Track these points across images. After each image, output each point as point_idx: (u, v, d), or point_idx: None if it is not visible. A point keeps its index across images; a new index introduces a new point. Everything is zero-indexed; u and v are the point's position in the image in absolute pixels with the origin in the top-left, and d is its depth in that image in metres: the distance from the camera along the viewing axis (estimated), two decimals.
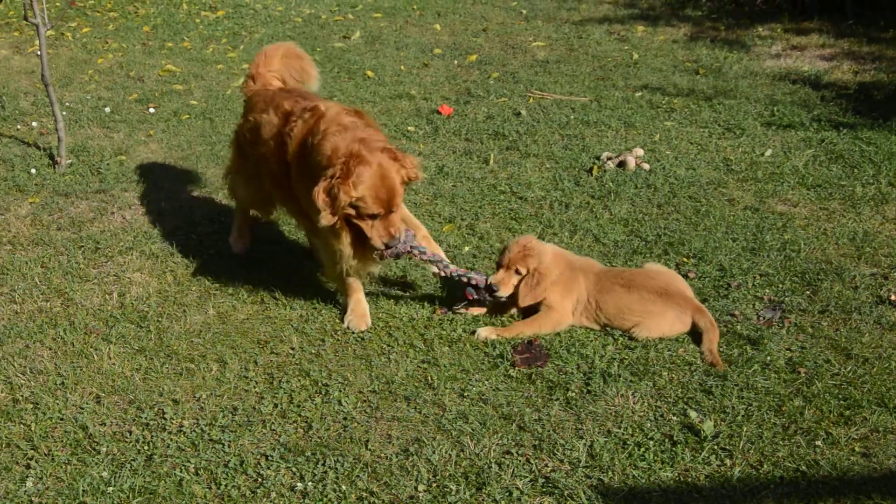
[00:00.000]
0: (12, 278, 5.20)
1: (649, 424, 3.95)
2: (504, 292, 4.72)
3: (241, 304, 4.96)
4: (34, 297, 5.00)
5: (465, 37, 10.74)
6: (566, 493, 3.57)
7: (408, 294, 5.04)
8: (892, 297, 4.87)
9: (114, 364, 4.40)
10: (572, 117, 7.80)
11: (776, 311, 4.80)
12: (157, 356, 4.47)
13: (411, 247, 4.61)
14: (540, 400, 4.14)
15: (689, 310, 4.57)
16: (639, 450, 3.79)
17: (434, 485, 3.63)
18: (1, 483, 3.65)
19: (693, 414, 3.97)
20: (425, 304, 4.93)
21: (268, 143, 4.81)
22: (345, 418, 4.02)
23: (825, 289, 4.97)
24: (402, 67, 9.39)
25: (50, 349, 4.53)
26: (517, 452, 3.80)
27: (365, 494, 3.58)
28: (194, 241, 5.63)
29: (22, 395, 4.16)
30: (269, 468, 3.71)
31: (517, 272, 4.73)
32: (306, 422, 3.99)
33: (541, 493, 3.59)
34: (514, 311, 4.85)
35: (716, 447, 3.79)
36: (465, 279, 4.72)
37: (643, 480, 3.63)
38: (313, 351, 4.53)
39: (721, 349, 4.46)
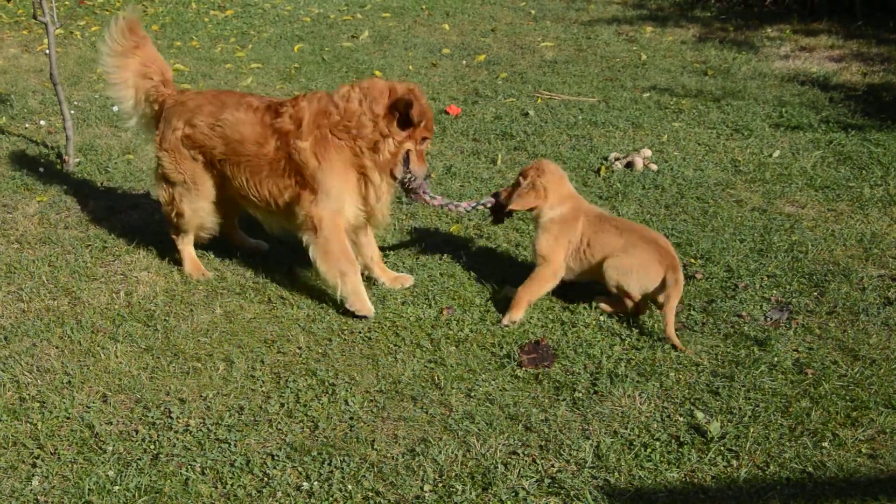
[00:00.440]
0: (20, 277, 5.21)
1: (656, 425, 3.94)
2: (504, 196, 5.00)
3: (248, 303, 4.97)
4: (41, 295, 5.01)
5: (473, 37, 10.74)
6: (572, 493, 3.56)
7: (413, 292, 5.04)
8: None
9: (121, 363, 4.41)
10: (580, 118, 7.79)
11: (783, 312, 4.78)
12: (163, 355, 4.48)
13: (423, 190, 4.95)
14: (546, 400, 4.13)
15: (665, 263, 4.55)
16: (645, 450, 3.78)
17: (440, 485, 3.63)
18: (7, 481, 3.65)
19: (700, 415, 3.96)
20: (432, 303, 4.92)
21: (251, 139, 4.87)
22: (351, 418, 4.02)
23: (833, 290, 4.96)
24: (411, 67, 9.40)
25: (57, 348, 4.53)
26: (523, 453, 3.79)
27: (371, 494, 3.58)
28: (201, 240, 5.63)
29: (28, 394, 4.17)
30: (275, 468, 3.71)
31: (519, 183, 4.93)
32: (312, 421, 3.99)
33: (547, 494, 3.58)
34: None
35: (722, 448, 3.78)
36: (479, 205, 5.09)
37: (649, 481, 3.62)
38: (320, 350, 4.53)
39: (728, 350, 4.45)
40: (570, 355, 4.45)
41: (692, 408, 4.04)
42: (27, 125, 7.69)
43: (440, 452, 3.79)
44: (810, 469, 3.66)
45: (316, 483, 3.63)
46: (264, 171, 4.86)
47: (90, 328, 4.70)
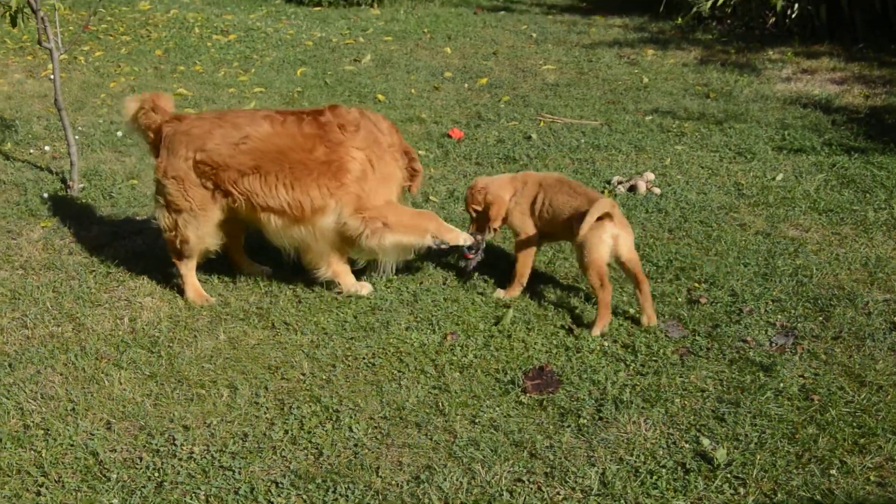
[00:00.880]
0: (24, 303, 5.21)
1: (662, 452, 3.93)
2: (479, 232, 5.42)
3: (251, 328, 4.96)
4: (46, 321, 5.01)
5: (475, 60, 10.77)
6: None
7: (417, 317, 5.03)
8: None
9: (124, 390, 4.40)
10: (583, 141, 7.80)
11: (789, 337, 4.77)
12: (167, 382, 4.47)
13: None
14: (551, 427, 4.12)
15: (610, 222, 4.88)
16: (651, 478, 3.76)
17: None
18: None
19: (706, 441, 3.94)
20: (436, 329, 4.92)
21: (295, 146, 4.99)
22: (355, 445, 4.01)
23: (838, 315, 4.95)
24: (413, 91, 9.42)
25: (61, 374, 4.53)
26: (529, 480, 3.77)
27: None
28: (204, 266, 5.63)
29: (33, 421, 4.16)
30: (279, 495, 3.69)
31: (476, 212, 5.39)
32: (317, 448, 3.98)
33: None
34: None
35: (729, 475, 3.77)
36: (480, 252, 5.43)
37: None
38: (324, 377, 4.52)
39: (734, 375, 4.44)
40: (575, 381, 4.44)
41: (698, 434, 4.02)
42: (32, 150, 7.71)
43: (445, 480, 3.77)
44: (818, 497, 3.64)
45: None
46: (314, 174, 4.98)
47: (94, 355, 4.69)
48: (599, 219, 4.80)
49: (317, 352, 4.73)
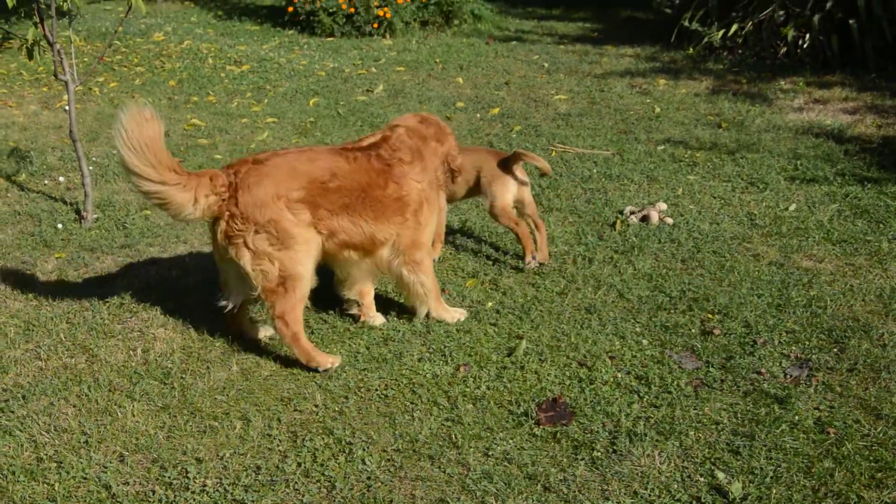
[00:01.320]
0: (38, 334, 5.22)
1: (676, 486, 3.90)
2: None
3: (264, 360, 4.96)
4: (59, 353, 5.02)
5: (487, 90, 10.82)
6: None
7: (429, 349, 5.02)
8: None
9: (137, 422, 4.40)
10: (595, 171, 7.81)
11: (803, 369, 4.75)
12: (180, 414, 4.47)
13: None
14: (565, 459, 4.10)
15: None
16: None
17: None
18: None
19: (721, 475, 3.92)
20: (449, 360, 4.91)
21: (372, 183, 5.02)
22: (368, 478, 3.99)
23: (853, 346, 4.93)
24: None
25: (74, 406, 4.53)
26: None
27: None
28: (218, 297, 5.64)
29: (46, 454, 4.16)
30: None
31: None
32: (329, 481, 3.96)
33: None
34: None
35: None
36: None
37: None
38: (337, 408, 4.51)
39: (748, 408, 4.42)
40: (588, 413, 4.42)
41: (713, 468, 4.00)
42: (46, 181, 7.76)
43: None
44: None
45: None
46: (388, 210, 5.05)
47: (107, 386, 4.70)
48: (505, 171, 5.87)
49: (329, 383, 4.72)
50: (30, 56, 6.47)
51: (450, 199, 6.16)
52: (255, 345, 5.10)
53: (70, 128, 6.81)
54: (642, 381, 4.69)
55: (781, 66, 11.34)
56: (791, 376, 4.69)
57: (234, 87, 11.03)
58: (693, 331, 5.17)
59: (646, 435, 4.23)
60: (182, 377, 4.78)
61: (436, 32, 14.32)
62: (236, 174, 4.78)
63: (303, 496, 3.87)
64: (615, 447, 4.16)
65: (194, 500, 3.86)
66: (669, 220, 6.68)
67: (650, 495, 3.84)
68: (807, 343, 4.99)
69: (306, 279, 4.89)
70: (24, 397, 4.59)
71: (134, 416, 4.44)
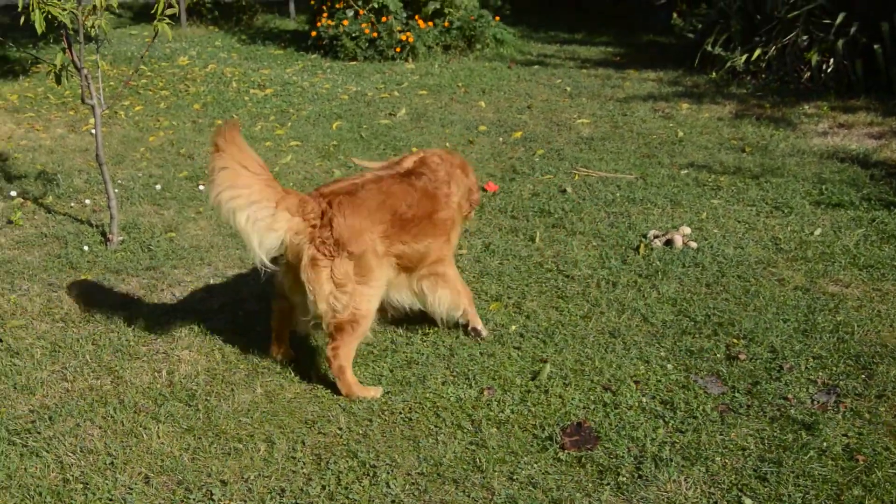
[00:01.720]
0: (64, 355, 5.25)
1: None
2: None
3: (288, 382, 4.97)
4: (85, 374, 5.04)
5: (509, 114, 10.85)
6: None
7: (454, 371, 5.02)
8: None
9: (163, 443, 4.41)
10: (618, 195, 7.81)
11: (831, 395, 4.71)
12: (205, 435, 4.47)
13: None
14: (590, 484, 4.07)
15: None
16: None
17: None
18: None
19: (748, 501, 3.89)
20: (472, 383, 4.90)
21: (433, 208, 5.17)
22: (392, 501, 3.98)
23: (881, 372, 4.88)
24: (448, 144, 9.49)
25: (100, 428, 4.55)
26: None
27: None
28: (242, 319, 5.67)
29: (72, 475, 4.17)
30: None
31: None
32: None
33: None
34: None
35: None
36: None
37: None
38: (361, 431, 4.50)
39: (775, 433, 4.38)
40: (613, 438, 4.39)
41: (740, 494, 3.96)
42: (73, 204, 7.82)
43: None
44: None
45: None
46: (439, 230, 5.17)
47: (133, 408, 4.71)
48: None
49: (353, 406, 4.72)
50: (58, 81, 6.54)
51: None
52: (279, 367, 5.10)
53: (96, 151, 6.87)
54: (667, 406, 4.66)
55: (805, 91, 11.31)
56: (818, 402, 4.65)
57: (258, 110, 11.10)
58: (718, 355, 5.15)
59: (671, 460, 4.20)
60: (207, 399, 4.79)
61: (458, 56, 14.38)
62: (329, 203, 4.78)
63: None
64: (641, 472, 4.13)
65: None
66: (693, 245, 6.66)
67: None
68: (834, 369, 4.96)
69: (371, 318, 4.92)
70: (50, 418, 4.61)
71: (159, 437, 4.45)
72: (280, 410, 4.69)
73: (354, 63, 13.98)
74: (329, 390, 4.86)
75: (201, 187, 8.13)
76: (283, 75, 13.01)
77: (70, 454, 4.32)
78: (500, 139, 9.76)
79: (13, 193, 7.94)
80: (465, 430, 4.49)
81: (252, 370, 5.09)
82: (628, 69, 13.21)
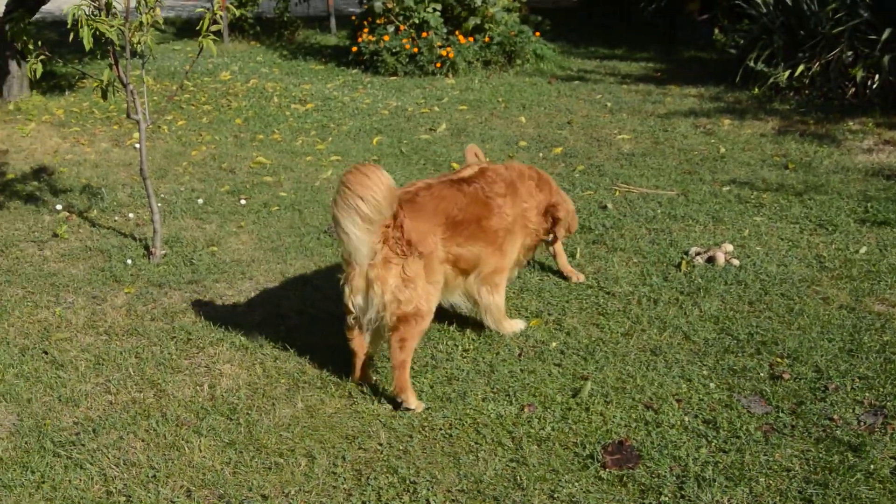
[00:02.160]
0: (107, 368, 5.30)
1: None
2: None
3: (328, 397, 4.98)
4: (128, 387, 5.09)
5: (549, 129, 10.83)
6: None
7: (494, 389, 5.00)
8: None
9: (204, 457, 4.43)
10: (659, 211, 7.76)
11: (877, 416, 4.64)
12: (246, 450, 4.49)
13: None
14: None
15: None
16: None
17: None
18: None
19: None
20: (513, 400, 4.88)
21: (488, 213, 5.39)
22: None
23: None
24: (488, 160, 9.46)
25: (143, 441, 4.58)
26: None
27: None
28: (283, 333, 5.69)
29: (115, 488, 4.20)
30: None
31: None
32: None
33: None
34: None
35: None
36: None
37: None
38: (401, 447, 4.50)
39: (820, 455, 4.32)
40: (655, 457, 4.35)
41: None
42: (117, 217, 7.91)
43: None
44: None
45: None
46: (490, 238, 5.36)
47: (175, 421, 4.74)
48: None
49: (394, 421, 4.72)
50: (104, 97, 6.63)
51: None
52: (319, 382, 5.12)
53: (140, 165, 6.95)
54: (710, 425, 4.61)
55: (850, 107, 11.18)
56: (865, 423, 4.58)
57: (299, 125, 11.17)
58: (762, 374, 5.09)
59: (714, 480, 4.15)
60: (248, 413, 4.82)
61: (498, 72, 14.38)
62: (399, 205, 4.88)
63: None
64: (683, 492, 4.09)
65: None
66: (736, 262, 6.60)
67: None
68: (881, 389, 4.88)
69: (431, 316, 5.04)
70: (94, 431, 4.66)
71: (201, 451, 4.48)
72: (321, 425, 4.71)
73: (395, 78, 14.03)
74: (369, 406, 4.86)
75: (243, 201, 8.20)
76: (323, 90, 13.09)
77: (113, 466, 4.36)
78: (541, 154, 9.75)
79: (59, 207, 8.05)
80: (506, 448, 4.47)
81: (293, 385, 5.11)
82: (669, 85, 13.15)
